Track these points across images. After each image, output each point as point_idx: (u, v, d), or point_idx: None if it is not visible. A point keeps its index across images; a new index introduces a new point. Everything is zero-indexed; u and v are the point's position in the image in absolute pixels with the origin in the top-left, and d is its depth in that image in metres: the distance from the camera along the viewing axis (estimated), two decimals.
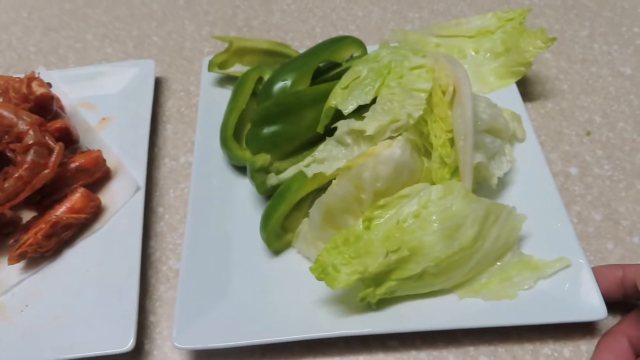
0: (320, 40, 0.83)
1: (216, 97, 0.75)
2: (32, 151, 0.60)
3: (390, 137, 0.59)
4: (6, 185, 0.59)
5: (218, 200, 0.65)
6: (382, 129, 0.58)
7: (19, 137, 0.61)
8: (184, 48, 0.87)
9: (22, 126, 0.61)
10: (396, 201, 0.56)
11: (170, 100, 0.80)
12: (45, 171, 0.60)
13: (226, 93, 0.75)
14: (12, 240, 0.60)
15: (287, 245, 0.62)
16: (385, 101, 0.61)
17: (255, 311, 0.57)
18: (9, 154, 0.61)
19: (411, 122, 0.59)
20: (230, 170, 0.68)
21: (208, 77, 0.77)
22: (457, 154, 0.60)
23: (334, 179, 0.59)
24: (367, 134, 0.58)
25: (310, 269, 0.54)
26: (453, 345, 0.56)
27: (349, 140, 0.61)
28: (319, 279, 0.53)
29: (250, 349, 0.56)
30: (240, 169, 0.68)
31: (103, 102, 0.77)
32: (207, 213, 0.63)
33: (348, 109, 0.62)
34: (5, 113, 0.61)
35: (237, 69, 0.76)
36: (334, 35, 0.86)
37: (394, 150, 0.57)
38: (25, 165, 0.60)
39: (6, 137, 0.61)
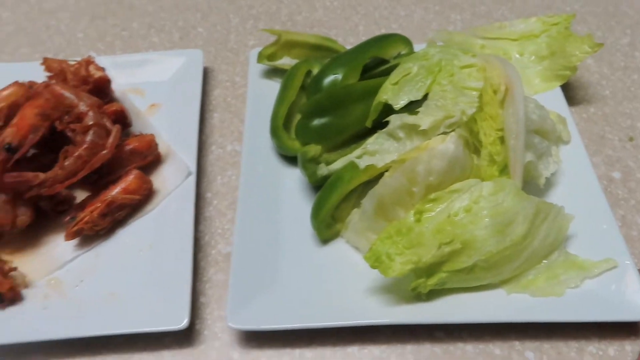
0: (363, 38, 0.84)
1: (263, 88, 0.76)
2: (91, 132, 0.62)
3: (444, 133, 0.60)
4: (66, 163, 0.61)
5: (266, 188, 0.66)
6: (436, 124, 0.60)
7: (79, 118, 0.63)
8: (228, 40, 0.89)
9: (82, 107, 0.63)
10: (447, 195, 0.57)
11: (216, 89, 0.81)
12: (103, 152, 0.62)
13: (272, 85, 0.77)
14: (68, 218, 0.62)
15: (336, 235, 0.63)
16: (438, 98, 0.62)
17: (304, 297, 0.58)
18: (69, 134, 0.62)
19: (464, 119, 0.60)
20: (278, 160, 0.70)
21: (255, 69, 0.78)
22: (507, 152, 0.61)
23: (385, 171, 0.61)
24: (421, 128, 0.59)
25: (365, 257, 0.55)
26: (499, 338, 0.57)
27: (401, 134, 0.62)
28: (372, 267, 0.54)
29: (298, 333, 0.57)
30: (287, 159, 0.70)
31: (152, 88, 0.78)
32: (256, 200, 0.65)
33: (399, 104, 0.64)
34: (67, 94, 0.63)
35: (285, 61, 0.78)
36: (376, 33, 0.87)
37: (447, 145, 0.58)
38: (85, 145, 0.61)
39: (66, 117, 0.63)
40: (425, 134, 0.60)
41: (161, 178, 0.68)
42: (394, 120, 0.62)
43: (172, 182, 0.67)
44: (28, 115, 0.61)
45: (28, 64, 0.81)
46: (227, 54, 0.86)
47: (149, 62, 0.81)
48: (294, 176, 0.68)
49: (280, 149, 0.69)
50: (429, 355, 0.56)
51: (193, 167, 0.67)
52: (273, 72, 0.78)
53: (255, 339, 0.58)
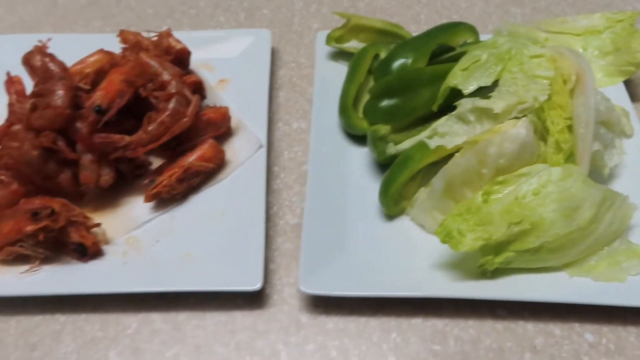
0: (424, 27, 0.86)
1: (329, 69, 0.79)
2: (173, 100, 0.65)
3: (516, 118, 0.62)
4: (150, 128, 0.64)
5: (334, 164, 0.69)
6: (509, 109, 0.61)
7: (162, 86, 0.66)
8: (293, 23, 0.91)
9: (165, 76, 0.66)
10: (515, 179, 0.59)
11: (281, 70, 0.84)
12: (184, 119, 0.65)
13: (338, 66, 0.79)
14: (147, 181, 0.65)
15: (402, 212, 0.65)
16: (509, 84, 0.64)
17: (371, 267, 0.60)
18: (152, 101, 0.65)
19: (536, 105, 0.62)
20: (344, 138, 0.72)
21: (322, 50, 0.80)
22: (574, 140, 0.63)
23: (454, 153, 0.63)
24: (494, 112, 0.61)
25: (435, 232, 0.57)
26: (559, 319, 0.58)
27: (471, 117, 0.64)
28: (443, 241, 0.56)
29: (364, 302, 0.60)
30: (353, 138, 0.72)
31: (221, 65, 0.81)
32: (324, 174, 0.67)
33: (468, 89, 0.65)
34: (152, 63, 0.66)
35: (352, 45, 0.80)
36: (437, 23, 0.88)
37: (519, 129, 0.60)
38: (167, 112, 0.64)
39: (150, 84, 0.66)
40: (496, 118, 0.62)
41: (233, 149, 0.71)
42: (465, 103, 0.64)
43: (244, 153, 0.70)
44: (115, 81, 0.65)
45: (103, 35, 0.85)
46: (292, 35, 0.89)
47: (218, 39, 0.84)
48: (360, 154, 0.70)
49: (348, 127, 0.71)
50: (490, 331, 0.58)
51: (264, 141, 0.70)
52: (339, 55, 0.80)
53: (323, 305, 0.60)
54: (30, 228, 0.57)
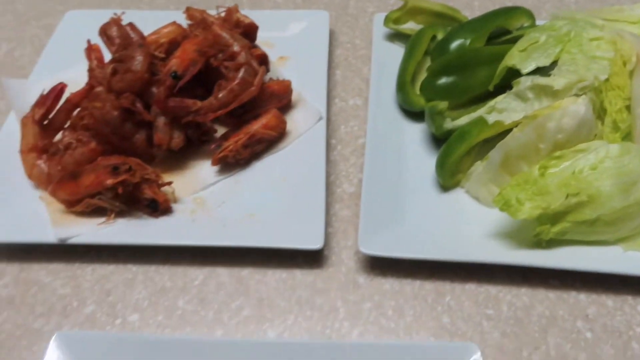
0: (477, 12, 0.88)
1: (386, 49, 0.82)
2: (242, 69, 0.69)
3: (576, 95, 0.63)
4: (220, 95, 0.68)
5: (390, 137, 0.72)
6: (569, 86, 0.63)
7: (232, 57, 0.69)
8: (348, 6, 0.94)
9: (235, 47, 0.70)
10: (572, 154, 0.61)
11: (338, 50, 0.87)
12: (252, 88, 0.69)
13: (394, 47, 0.82)
14: (215, 145, 0.69)
15: (456, 184, 0.68)
16: (569, 64, 0.65)
17: (427, 234, 0.63)
18: (222, 70, 0.69)
19: (596, 83, 0.63)
20: (400, 115, 0.75)
21: (379, 32, 0.83)
22: (632, 120, 0.64)
23: (511, 129, 0.64)
24: (554, 89, 0.63)
25: (494, 200, 0.59)
26: (612, 291, 0.60)
27: (530, 94, 0.66)
28: (501, 209, 0.58)
29: (420, 265, 0.62)
30: (409, 115, 0.75)
31: (280, 43, 0.84)
32: (381, 146, 0.70)
33: (527, 68, 0.67)
34: (224, 34, 0.70)
35: (409, 26, 0.83)
36: (491, 8, 0.90)
37: (579, 106, 0.61)
38: (237, 81, 0.68)
39: (221, 55, 0.69)
40: (556, 95, 0.64)
41: (293, 121, 0.74)
42: (524, 81, 0.66)
43: (304, 124, 0.73)
44: (188, 50, 0.68)
45: (169, 12, 0.89)
46: (347, 18, 0.92)
47: (278, 19, 0.88)
48: (416, 130, 0.73)
49: (406, 103, 0.74)
50: (543, 299, 0.60)
51: (324, 113, 0.73)
52: (395, 36, 0.83)
53: (379, 267, 0.63)
54: (110, 181, 0.62)
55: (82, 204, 0.64)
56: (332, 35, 0.89)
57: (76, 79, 0.74)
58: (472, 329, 0.58)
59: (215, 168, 0.70)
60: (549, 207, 0.57)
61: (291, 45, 0.84)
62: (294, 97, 0.76)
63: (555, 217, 0.59)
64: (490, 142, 0.66)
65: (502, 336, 0.57)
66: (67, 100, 0.69)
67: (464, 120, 0.69)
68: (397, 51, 0.81)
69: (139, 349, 0.54)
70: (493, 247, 0.61)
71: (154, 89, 0.66)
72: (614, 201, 0.58)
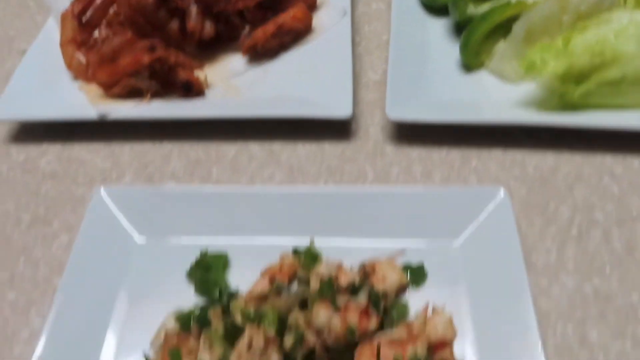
0: None
1: None
2: None
3: None
4: None
5: (415, 30, 0.74)
6: None
7: None
8: None
9: None
10: (595, 25, 0.62)
11: None
12: None
13: None
14: (245, 33, 0.72)
15: (480, 66, 0.69)
16: None
17: (453, 104, 0.65)
18: None
19: None
20: (424, 14, 0.77)
21: None
22: None
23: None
24: None
25: (519, 63, 0.61)
26: (638, 153, 0.60)
27: None
28: (526, 71, 0.60)
29: (446, 134, 0.63)
30: (432, 11, 0.77)
31: None
32: (407, 36, 0.72)
33: None
34: None
35: None
36: None
37: None
38: None
39: None
40: None
41: (319, 18, 0.76)
42: None
43: (330, 20, 0.75)
44: None
45: None
46: None
47: None
48: (439, 25, 0.75)
49: None
50: (569, 161, 0.61)
51: (348, 10, 0.75)
52: None
53: (406, 137, 0.64)
54: (147, 58, 0.65)
55: (119, 85, 0.67)
56: None
57: None
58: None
59: (245, 59, 0.72)
60: (572, 66, 0.59)
61: None
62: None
63: (579, 77, 0.60)
64: (512, 24, 0.68)
65: (528, 192, 0.59)
66: None
67: (486, 7, 0.71)
68: None
69: (179, 198, 0.56)
70: (518, 112, 0.62)
71: None
72: (638, 60, 0.59)
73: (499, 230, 0.50)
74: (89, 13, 0.73)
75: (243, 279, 0.51)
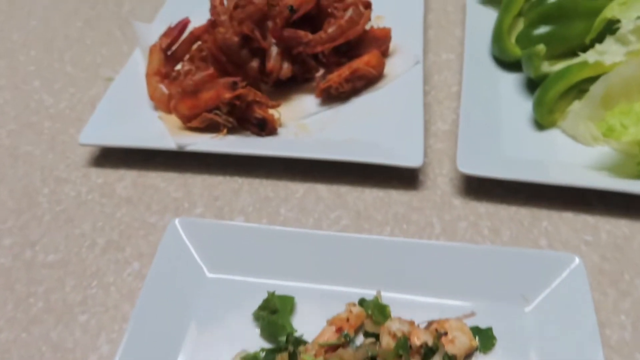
0: None
1: (478, 12, 0.85)
2: (350, 9, 0.74)
3: None
4: (329, 30, 0.73)
5: (486, 83, 0.74)
6: None
7: None
8: None
9: None
10: None
11: (430, 14, 0.91)
12: (357, 27, 0.74)
13: (485, 10, 0.86)
14: (320, 75, 0.74)
15: (553, 124, 0.69)
16: None
17: (523, 161, 0.65)
18: (331, 10, 0.75)
19: None
20: (495, 65, 0.77)
21: None
22: None
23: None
24: None
25: (597, 125, 0.60)
26: None
27: (632, 38, 0.67)
28: (605, 135, 0.59)
29: (516, 191, 0.63)
30: (504, 66, 0.77)
31: (376, 3, 0.89)
32: (477, 89, 0.72)
33: (628, 18, 0.69)
34: None
35: None
36: None
37: None
38: (345, 19, 0.73)
39: None
40: None
41: (392, 64, 0.78)
42: (626, 25, 0.67)
43: (402, 67, 0.77)
44: None
45: None
46: None
47: None
48: (511, 79, 0.76)
49: (502, 52, 0.76)
50: None
51: (420, 58, 0.77)
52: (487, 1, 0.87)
53: (474, 192, 0.65)
54: (229, 94, 0.68)
55: (198, 119, 0.70)
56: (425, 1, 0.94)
57: (195, 23, 0.82)
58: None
59: (318, 100, 0.75)
60: None
61: (387, 6, 0.89)
62: (391, 46, 0.81)
63: None
64: (588, 84, 0.67)
65: (602, 260, 0.57)
66: (190, 33, 0.77)
67: (561, 65, 0.71)
68: (490, 14, 0.84)
69: (250, 235, 0.57)
70: (592, 175, 0.62)
71: (270, 22, 0.72)
72: None
73: (573, 300, 0.49)
74: (174, 47, 0.77)
75: (304, 323, 0.52)
